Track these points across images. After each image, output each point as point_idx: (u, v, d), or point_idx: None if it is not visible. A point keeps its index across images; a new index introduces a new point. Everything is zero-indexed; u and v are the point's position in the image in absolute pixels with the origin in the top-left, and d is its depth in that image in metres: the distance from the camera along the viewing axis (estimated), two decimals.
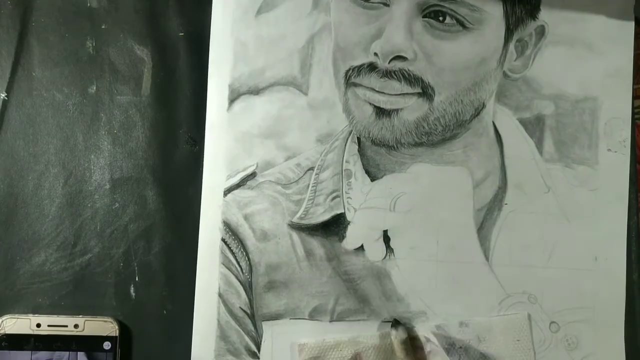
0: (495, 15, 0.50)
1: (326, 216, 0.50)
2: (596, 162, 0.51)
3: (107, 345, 0.48)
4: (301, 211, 0.50)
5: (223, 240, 0.50)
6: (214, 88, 0.51)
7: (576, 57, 0.51)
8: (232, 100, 0.51)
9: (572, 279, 0.50)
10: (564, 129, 0.51)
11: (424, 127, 0.50)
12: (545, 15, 0.51)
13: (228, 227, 0.50)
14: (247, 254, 0.50)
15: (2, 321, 0.48)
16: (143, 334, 0.50)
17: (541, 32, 0.51)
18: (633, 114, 0.52)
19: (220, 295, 0.50)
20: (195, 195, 0.50)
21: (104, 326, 0.48)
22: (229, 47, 0.51)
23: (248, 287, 0.50)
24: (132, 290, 0.50)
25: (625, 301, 0.50)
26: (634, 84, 0.51)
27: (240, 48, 0.51)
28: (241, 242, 0.50)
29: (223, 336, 0.49)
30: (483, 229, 0.50)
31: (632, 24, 0.51)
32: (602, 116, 0.51)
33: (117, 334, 0.48)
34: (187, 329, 0.49)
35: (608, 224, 0.51)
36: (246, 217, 0.50)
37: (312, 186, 0.51)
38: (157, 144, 0.51)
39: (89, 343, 0.48)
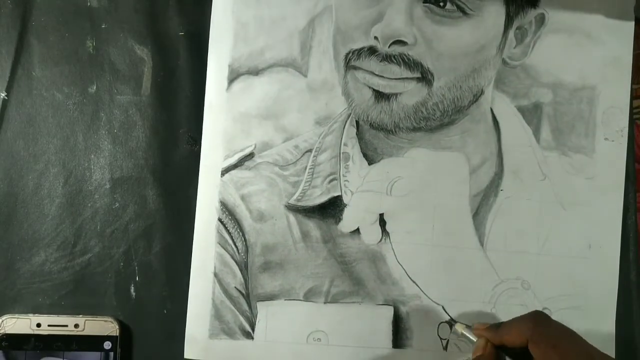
0: (495, 2, 0.50)
1: (323, 198, 0.51)
2: (593, 151, 0.51)
3: (107, 345, 0.48)
4: (298, 193, 0.51)
5: (220, 220, 0.50)
6: (213, 68, 0.51)
7: (575, 46, 0.51)
8: (231, 81, 0.51)
9: (566, 266, 0.51)
10: (561, 117, 0.51)
11: (422, 112, 0.51)
12: (546, 4, 0.51)
13: (225, 207, 0.50)
14: (243, 234, 0.50)
15: (2, 321, 0.48)
16: (143, 333, 0.50)
17: (541, 20, 0.51)
18: (632, 113, 0.52)
19: (215, 274, 0.50)
20: (195, 195, 0.50)
21: (104, 326, 0.48)
22: (229, 27, 0.51)
23: (244, 267, 0.50)
24: (132, 290, 0.50)
25: (617, 289, 0.51)
26: (633, 83, 0.52)
27: (240, 28, 0.51)
28: (238, 223, 0.50)
29: (217, 315, 0.50)
30: (478, 215, 0.51)
31: (632, 13, 0.51)
32: (600, 105, 0.51)
33: (118, 334, 0.48)
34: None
35: (603, 212, 0.51)
36: (243, 198, 0.50)
37: (310, 168, 0.51)
38: (157, 144, 0.51)
39: (89, 343, 0.48)
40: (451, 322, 0.50)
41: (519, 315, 0.43)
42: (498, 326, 0.44)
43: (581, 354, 0.39)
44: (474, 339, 0.46)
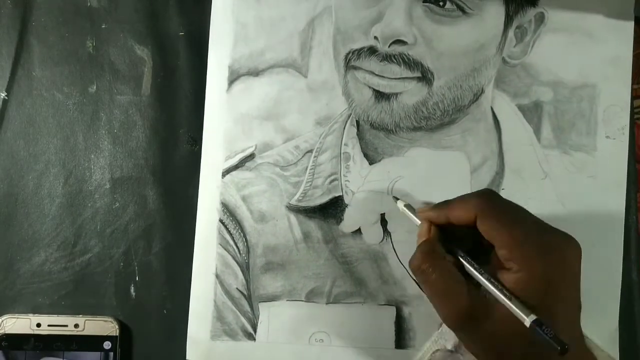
0: (495, 2, 0.50)
1: (324, 199, 0.50)
2: (594, 149, 0.51)
3: (107, 345, 0.48)
4: (299, 193, 0.50)
5: (221, 221, 0.50)
6: (213, 69, 0.51)
7: (575, 44, 0.51)
8: (231, 82, 0.51)
9: None
10: (562, 116, 0.51)
11: (422, 112, 0.51)
12: (545, 2, 0.51)
13: (226, 208, 0.50)
14: (244, 235, 0.50)
15: (2, 321, 0.48)
16: (143, 334, 0.50)
17: (541, 18, 0.51)
18: (632, 113, 0.52)
19: (217, 275, 0.50)
20: (196, 195, 0.50)
21: (104, 326, 0.48)
22: (229, 28, 0.51)
23: (245, 268, 0.50)
24: (132, 290, 0.50)
25: (620, 289, 0.51)
26: (633, 84, 0.51)
27: (240, 29, 0.51)
28: (239, 223, 0.50)
29: (219, 317, 0.49)
30: None
31: (632, 11, 0.51)
32: (601, 103, 0.51)
33: (117, 334, 0.48)
34: (187, 329, 0.50)
35: (605, 210, 0.51)
36: (244, 199, 0.50)
37: (311, 169, 0.51)
38: (157, 144, 0.51)
39: (89, 343, 0.48)
40: (395, 198, 0.49)
41: None
42: (445, 205, 0.43)
43: (530, 225, 0.38)
44: (417, 220, 0.45)
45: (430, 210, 0.44)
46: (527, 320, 0.36)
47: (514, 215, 0.39)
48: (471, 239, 0.41)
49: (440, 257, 0.41)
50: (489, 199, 0.40)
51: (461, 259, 0.41)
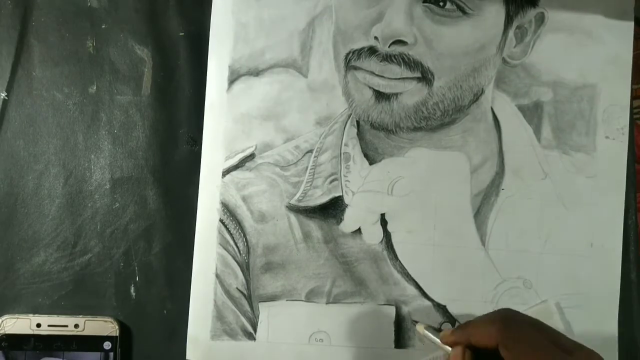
0: (495, 2, 0.50)
1: (324, 199, 0.51)
2: (594, 150, 0.51)
3: (107, 345, 0.48)
4: (299, 193, 0.50)
5: (221, 221, 0.50)
6: (213, 69, 0.51)
7: (575, 45, 0.51)
8: (231, 81, 0.51)
9: (568, 265, 0.51)
10: (562, 116, 0.51)
11: (422, 112, 0.51)
12: (545, 3, 0.51)
13: (226, 208, 0.50)
14: (244, 235, 0.50)
15: (2, 321, 0.48)
16: (143, 334, 0.50)
17: (541, 19, 0.51)
18: (632, 113, 0.52)
19: (217, 275, 0.50)
20: (196, 195, 0.50)
21: (104, 326, 0.48)
22: (230, 28, 0.51)
23: (245, 268, 0.50)
24: (132, 290, 0.50)
25: (619, 288, 0.51)
26: (633, 84, 0.52)
27: (240, 29, 0.51)
28: (239, 223, 0.50)
29: (219, 316, 0.50)
30: (480, 214, 0.51)
31: (632, 11, 0.51)
32: (601, 103, 0.51)
33: (117, 334, 0.48)
34: (187, 329, 0.49)
35: (604, 211, 0.51)
36: (244, 199, 0.50)
37: (311, 169, 0.51)
38: (157, 144, 0.51)
39: (89, 343, 0.48)
40: (414, 322, 0.49)
41: None
42: (465, 328, 0.43)
43: (552, 349, 0.38)
44: (443, 346, 0.45)
45: (452, 334, 0.44)
46: None
47: (535, 340, 0.39)
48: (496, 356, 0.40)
49: None
50: (508, 325, 0.40)
51: None
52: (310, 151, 0.51)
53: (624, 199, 0.51)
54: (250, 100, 0.51)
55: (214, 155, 0.51)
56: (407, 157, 0.51)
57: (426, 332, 0.47)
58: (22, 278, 0.50)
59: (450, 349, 0.44)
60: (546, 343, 0.39)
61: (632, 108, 0.52)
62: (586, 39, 0.51)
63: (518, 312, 0.42)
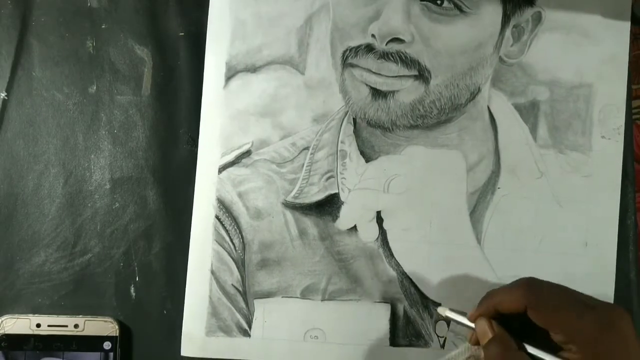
0: (492, 1, 0.50)
1: (320, 196, 0.51)
2: (590, 149, 0.51)
3: (107, 345, 0.48)
4: (295, 190, 0.51)
5: (217, 217, 0.50)
6: (210, 65, 0.51)
7: (572, 44, 0.52)
8: (228, 78, 0.51)
9: (563, 264, 0.51)
10: (558, 115, 0.51)
11: (419, 110, 0.51)
12: (542, 2, 0.51)
13: (222, 204, 0.50)
14: (240, 232, 0.50)
15: (2, 321, 0.48)
16: (143, 334, 0.50)
17: (538, 18, 0.51)
18: (631, 113, 0.52)
19: (212, 272, 0.50)
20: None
21: (104, 326, 0.48)
22: (227, 24, 0.51)
23: (241, 265, 0.50)
24: (132, 290, 0.50)
25: (614, 287, 0.51)
26: (633, 84, 0.52)
27: (238, 25, 0.51)
28: (235, 220, 0.50)
29: (214, 313, 0.50)
30: (476, 212, 0.51)
31: (628, 11, 0.51)
32: (597, 103, 0.51)
33: (117, 334, 0.48)
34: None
35: (600, 210, 0.51)
36: (240, 195, 0.50)
37: (307, 166, 0.51)
38: (157, 144, 0.51)
39: (89, 343, 0.48)
40: (435, 306, 0.49)
41: None
42: (489, 297, 0.42)
43: (579, 307, 0.39)
44: (468, 323, 0.44)
45: (478, 309, 0.43)
46: None
47: (562, 301, 0.40)
48: (519, 318, 0.41)
49: (517, 351, 0.41)
50: (532, 288, 0.41)
51: (532, 351, 0.41)
52: (307, 148, 0.51)
53: (619, 198, 0.51)
54: (247, 97, 0.51)
55: (210, 151, 0.51)
56: (404, 154, 0.51)
57: (451, 313, 0.45)
58: (22, 278, 0.50)
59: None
60: (571, 300, 0.40)
61: (631, 108, 0.52)
62: (583, 39, 0.52)
63: (538, 279, 0.42)
